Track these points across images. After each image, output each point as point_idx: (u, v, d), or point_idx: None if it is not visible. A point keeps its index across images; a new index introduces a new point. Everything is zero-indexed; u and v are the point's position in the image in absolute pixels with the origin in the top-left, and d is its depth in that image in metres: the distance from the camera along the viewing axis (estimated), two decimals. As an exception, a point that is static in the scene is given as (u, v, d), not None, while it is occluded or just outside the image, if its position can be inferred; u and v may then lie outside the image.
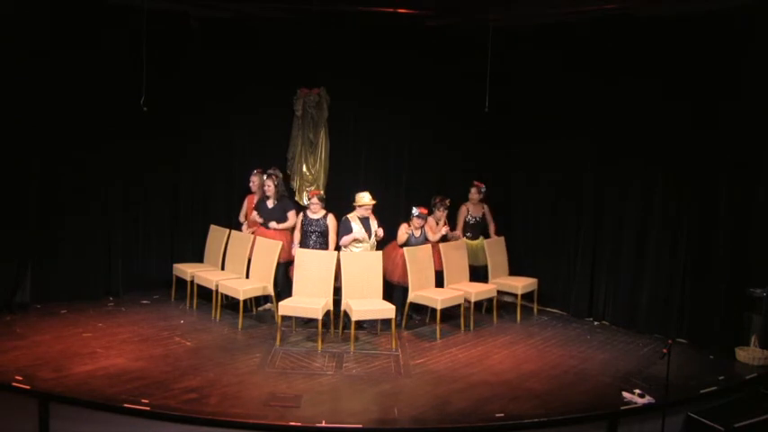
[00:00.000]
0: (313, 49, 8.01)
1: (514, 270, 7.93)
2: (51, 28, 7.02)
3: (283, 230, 7.38)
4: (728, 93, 6.37)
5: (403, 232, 7.25)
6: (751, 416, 5.14)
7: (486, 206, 7.97)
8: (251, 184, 7.71)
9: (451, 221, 7.80)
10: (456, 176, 8.31)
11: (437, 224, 7.50)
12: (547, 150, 7.94)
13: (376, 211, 7.26)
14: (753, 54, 6.20)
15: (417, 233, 7.30)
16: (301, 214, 7.31)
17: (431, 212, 7.47)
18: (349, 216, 7.14)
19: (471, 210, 7.93)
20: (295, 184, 8.24)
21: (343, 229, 7.10)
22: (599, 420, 5.08)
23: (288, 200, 7.64)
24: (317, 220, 7.19)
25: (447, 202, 7.51)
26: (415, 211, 7.23)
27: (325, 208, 7.26)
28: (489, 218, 7.98)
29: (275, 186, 7.42)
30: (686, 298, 6.79)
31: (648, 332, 7.01)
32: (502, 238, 7.94)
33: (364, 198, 7.12)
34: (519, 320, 7.43)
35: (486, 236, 7.94)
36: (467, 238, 7.89)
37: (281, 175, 7.64)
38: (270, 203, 7.48)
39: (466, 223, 7.93)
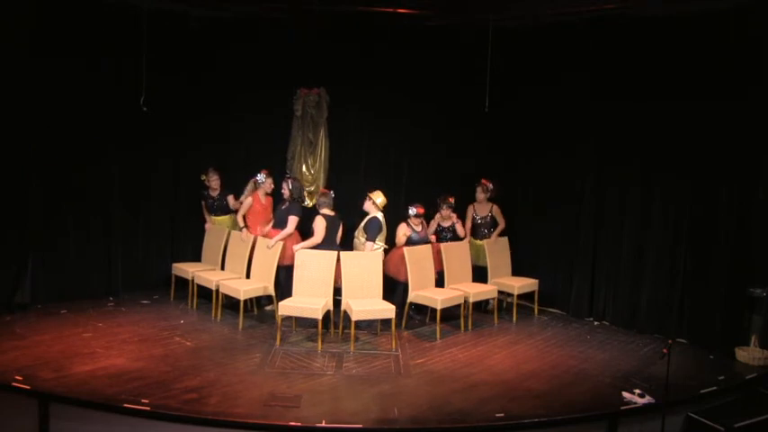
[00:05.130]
0: (313, 49, 8.01)
1: (515, 271, 7.91)
2: (51, 28, 7.01)
3: (287, 235, 7.20)
4: (729, 93, 6.36)
5: (402, 234, 7.25)
6: (751, 416, 5.14)
7: (494, 206, 7.87)
8: (263, 184, 7.52)
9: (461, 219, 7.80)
10: (456, 177, 8.31)
11: (439, 224, 7.53)
12: (547, 151, 7.93)
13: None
14: (754, 53, 6.19)
15: (418, 228, 7.30)
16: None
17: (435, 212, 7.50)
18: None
19: (477, 209, 7.91)
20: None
21: (371, 227, 7.13)
22: (599, 420, 5.08)
23: (296, 204, 7.35)
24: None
25: (450, 199, 7.50)
26: (412, 210, 7.24)
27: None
28: (500, 218, 7.87)
29: (289, 190, 7.32)
30: (686, 298, 6.79)
31: (648, 332, 7.01)
32: (505, 239, 7.91)
33: (378, 198, 7.28)
34: (515, 321, 7.43)
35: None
36: (472, 237, 7.88)
37: (298, 181, 7.61)
38: (283, 205, 7.40)
39: (473, 223, 7.93)
